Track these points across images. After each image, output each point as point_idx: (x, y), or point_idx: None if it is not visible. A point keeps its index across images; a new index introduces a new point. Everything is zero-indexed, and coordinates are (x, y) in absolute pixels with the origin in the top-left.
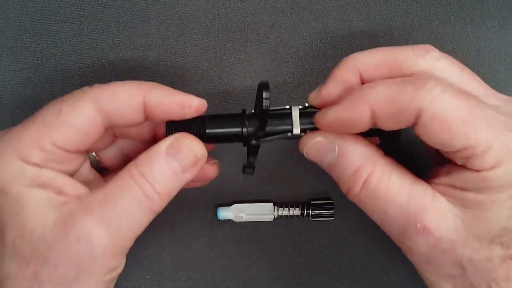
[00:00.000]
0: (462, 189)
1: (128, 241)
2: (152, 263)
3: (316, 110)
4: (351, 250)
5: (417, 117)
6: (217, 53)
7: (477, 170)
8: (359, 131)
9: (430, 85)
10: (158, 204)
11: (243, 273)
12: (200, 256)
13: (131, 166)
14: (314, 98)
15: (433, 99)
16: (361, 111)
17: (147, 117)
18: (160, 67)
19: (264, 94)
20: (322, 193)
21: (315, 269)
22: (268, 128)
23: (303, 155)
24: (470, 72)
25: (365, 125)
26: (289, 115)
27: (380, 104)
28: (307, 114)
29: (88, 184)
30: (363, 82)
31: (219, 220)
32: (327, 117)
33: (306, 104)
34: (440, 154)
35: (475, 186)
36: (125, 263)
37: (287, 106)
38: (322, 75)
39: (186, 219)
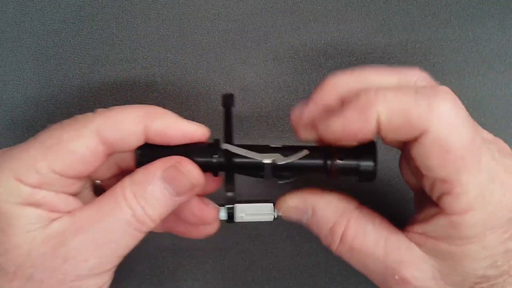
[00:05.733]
0: (435, 238)
1: (115, 262)
2: (152, 263)
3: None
4: None
5: (422, 133)
6: (217, 53)
7: (449, 214)
8: (362, 141)
9: (443, 103)
10: (149, 226)
11: (243, 273)
12: (200, 256)
13: (125, 183)
14: (297, 118)
15: (443, 120)
16: (368, 120)
17: (148, 141)
18: (160, 67)
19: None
20: None
21: (315, 269)
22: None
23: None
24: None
25: (370, 136)
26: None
27: (390, 115)
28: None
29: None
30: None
31: (220, 220)
32: (332, 127)
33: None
34: (419, 196)
35: (447, 234)
36: (125, 263)
37: (259, 159)
38: (322, 75)
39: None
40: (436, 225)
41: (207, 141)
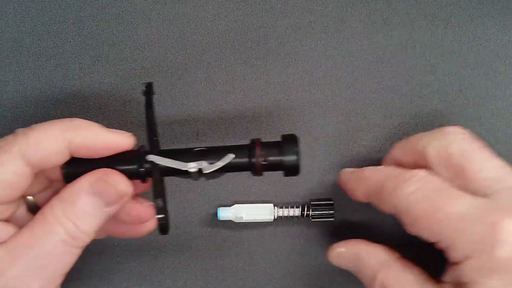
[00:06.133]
0: (456, 285)
1: (57, 281)
2: (152, 263)
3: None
4: None
5: (394, 211)
6: (217, 53)
7: (455, 263)
8: (360, 201)
9: (408, 183)
10: (85, 240)
11: (243, 273)
12: (200, 256)
13: (54, 203)
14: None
15: (405, 198)
16: (358, 188)
17: (73, 155)
18: (160, 67)
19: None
20: (322, 193)
21: (315, 269)
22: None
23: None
24: (488, 152)
25: (361, 199)
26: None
27: (370, 189)
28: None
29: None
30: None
31: (219, 220)
32: (340, 176)
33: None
34: None
35: (458, 282)
36: (125, 263)
37: (184, 168)
38: (322, 75)
39: (186, 219)
40: (451, 274)
41: (135, 148)
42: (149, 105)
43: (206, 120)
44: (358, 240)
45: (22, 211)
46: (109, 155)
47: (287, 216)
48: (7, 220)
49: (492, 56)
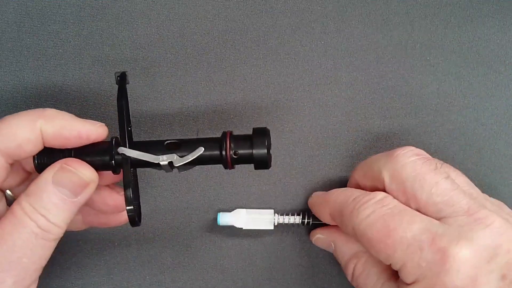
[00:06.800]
0: None
1: (34, 276)
2: (152, 263)
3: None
4: None
5: (353, 233)
6: (217, 53)
7: (406, 283)
8: (328, 222)
9: (365, 206)
10: (57, 232)
11: (243, 273)
12: (200, 256)
13: (22, 199)
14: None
15: (360, 221)
16: (323, 211)
17: (47, 145)
18: (160, 67)
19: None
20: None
21: (315, 269)
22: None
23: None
24: (440, 174)
25: (328, 221)
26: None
27: (333, 212)
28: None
29: None
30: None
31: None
32: (310, 200)
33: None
34: None
35: None
36: (125, 263)
37: (155, 162)
38: (322, 75)
39: (186, 220)
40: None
41: (107, 139)
42: (121, 94)
43: (206, 120)
44: (335, 228)
45: (2, 205)
46: (81, 145)
47: (287, 224)
48: None
49: (492, 56)
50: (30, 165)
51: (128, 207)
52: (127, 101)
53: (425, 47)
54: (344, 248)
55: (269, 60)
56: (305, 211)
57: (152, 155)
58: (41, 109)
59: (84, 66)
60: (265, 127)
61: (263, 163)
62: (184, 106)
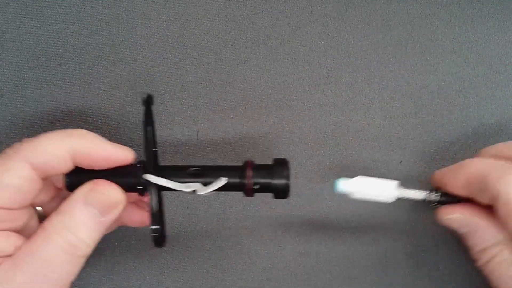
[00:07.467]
0: None
1: None
2: (152, 263)
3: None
4: (351, 250)
5: (495, 199)
6: (217, 53)
7: None
8: (459, 194)
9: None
10: (85, 250)
11: (243, 273)
12: (200, 256)
13: (53, 216)
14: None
15: (509, 188)
16: (457, 179)
17: (76, 165)
18: (160, 67)
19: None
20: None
21: (315, 269)
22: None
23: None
24: None
25: (461, 191)
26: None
27: (472, 177)
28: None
29: None
30: None
31: (336, 192)
32: (434, 175)
33: None
34: None
35: None
36: (125, 264)
37: (180, 189)
38: (322, 75)
39: (186, 219)
40: None
41: (135, 162)
42: (148, 119)
43: (206, 120)
44: (474, 208)
45: (33, 223)
46: (109, 167)
47: (411, 199)
48: (19, 232)
49: (492, 56)
50: (60, 182)
51: (153, 228)
52: (154, 124)
53: (425, 47)
54: (487, 235)
55: (269, 60)
56: (432, 189)
57: (178, 183)
58: (73, 129)
59: (84, 66)
60: (285, 158)
61: (283, 193)
62: (184, 106)
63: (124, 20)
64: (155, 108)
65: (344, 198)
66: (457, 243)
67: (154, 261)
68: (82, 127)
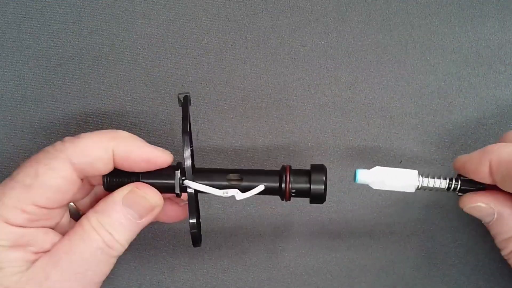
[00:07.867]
0: None
1: None
2: (152, 263)
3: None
4: (351, 250)
5: None
6: (217, 53)
7: None
8: (483, 181)
9: None
10: (119, 250)
11: (243, 273)
12: (200, 256)
13: (91, 215)
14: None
15: None
16: (483, 163)
17: (116, 166)
18: (160, 67)
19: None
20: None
21: (315, 269)
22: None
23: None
24: None
25: (485, 178)
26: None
27: (497, 163)
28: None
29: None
30: None
31: (356, 183)
32: (457, 161)
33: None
34: None
35: None
36: (125, 263)
37: (218, 194)
38: (322, 75)
39: (186, 220)
40: None
41: (172, 164)
42: (186, 121)
43: (206, 120)
44: (498, 196)
45: (66, 218)
46: (149, 170)
47: (431, 188)
48: (53, 228)
49: (492, 56)
50: (95, 179)
51: (192, 231)
52: (191, 126)
53: (425, 47)
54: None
55: (269, 60)
56: (452, 178)
57: (217, 189)
58: (114, 130)
59: (84, 66)
60: (323, 164)
61: (320, 199)
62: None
63: (124, 20)
64: (155, 109)
65: (344, 198)
66: (457, 243)
67: (154, 261)
68: (82, 127)
